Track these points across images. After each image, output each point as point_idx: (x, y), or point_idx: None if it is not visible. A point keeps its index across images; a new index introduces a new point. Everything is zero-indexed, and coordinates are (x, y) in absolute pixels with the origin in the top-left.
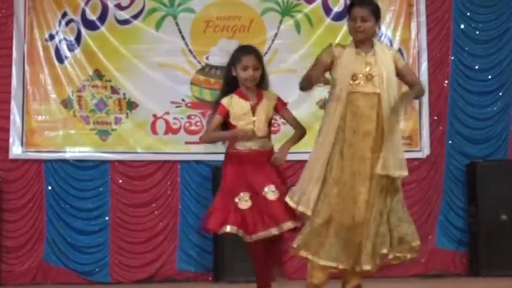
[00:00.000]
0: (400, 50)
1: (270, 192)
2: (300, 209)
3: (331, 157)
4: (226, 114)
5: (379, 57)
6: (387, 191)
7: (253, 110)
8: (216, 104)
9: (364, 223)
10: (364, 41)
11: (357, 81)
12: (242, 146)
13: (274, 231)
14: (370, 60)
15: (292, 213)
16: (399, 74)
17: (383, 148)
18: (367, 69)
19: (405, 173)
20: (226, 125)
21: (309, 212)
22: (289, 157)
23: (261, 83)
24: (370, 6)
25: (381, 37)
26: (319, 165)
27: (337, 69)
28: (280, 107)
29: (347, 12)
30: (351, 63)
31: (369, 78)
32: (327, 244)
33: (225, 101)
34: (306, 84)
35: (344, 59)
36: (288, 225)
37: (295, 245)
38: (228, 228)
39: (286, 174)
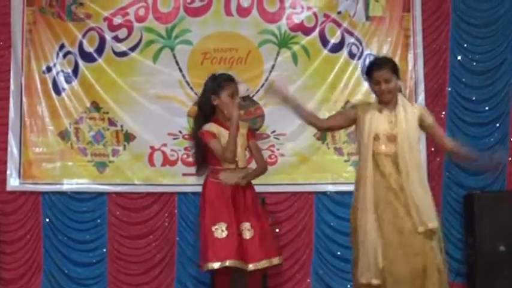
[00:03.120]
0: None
1: (246, 230)
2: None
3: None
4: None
5: (402, 116)
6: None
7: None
8: (203, 134)
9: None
10: (391, 100)
11: (379, 142)
12: (225, 178)
13: (249, 267)
14: (393, 119)
15: (266, 253)
16: (428, 130)
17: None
18: (390, 129)
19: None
20: (204, 154)
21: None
22: (286, 189)
23: None
24: (389, 65)
25: None
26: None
27: (360, 129)
28: (250, 136)
29: (366, 74)
30: (374, 124)
31: (391, 139)
32: None
33: (211, 128)
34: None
35: (368, 119)
36: (263, 263)
37: None
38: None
39: (283, 207)
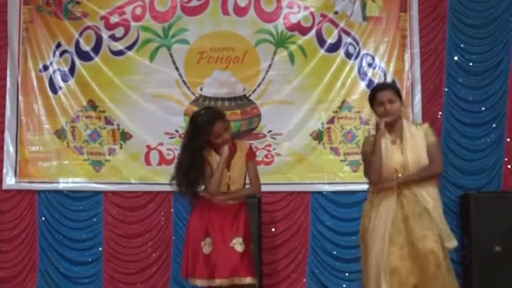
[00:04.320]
0: (393, 82)
1: (238, 244)
2: None
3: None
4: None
5: (410, 141)
6: None
7: (228, 164)
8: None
9: None
10: (394, 123)
11: (397, 174)
12: (216, 199)
13: (236, 280)
14: (403, 146)
15: (253, 270)
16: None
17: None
18: (403, 158)
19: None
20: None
21: None
22: (282, 189)
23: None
24: (393, 88)
25: (375, 68)
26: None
27: None
28: (250, 156)
29: (369, 100)
30: (391, 157)
31: (406, 167)
32: None
33: (207, 154)
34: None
35: (384, 153)
36: (248, 280)
37: None
38: (198, 283)
39: (280, 206)
